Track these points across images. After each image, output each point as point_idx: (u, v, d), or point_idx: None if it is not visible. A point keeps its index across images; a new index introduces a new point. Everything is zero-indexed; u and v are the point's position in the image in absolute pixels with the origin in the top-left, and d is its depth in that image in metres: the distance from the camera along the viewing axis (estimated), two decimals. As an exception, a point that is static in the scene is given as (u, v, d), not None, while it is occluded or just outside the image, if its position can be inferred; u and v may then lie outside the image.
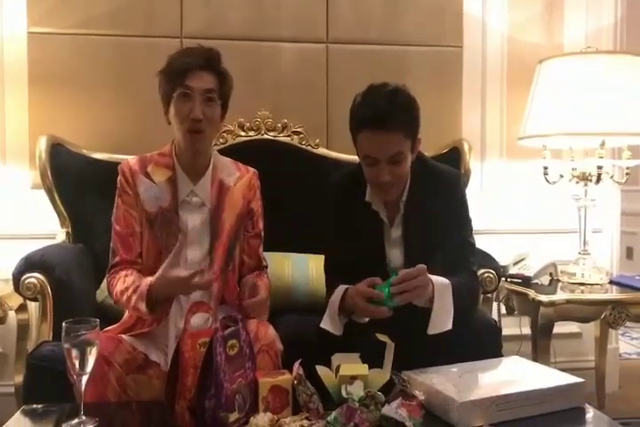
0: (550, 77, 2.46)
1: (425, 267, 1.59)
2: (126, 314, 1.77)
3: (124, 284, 1.65)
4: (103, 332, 1.68)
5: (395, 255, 1.81)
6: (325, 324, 1.70)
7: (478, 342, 1.66)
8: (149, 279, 1.60)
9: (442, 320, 1.61)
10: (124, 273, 1.69)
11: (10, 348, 2.38)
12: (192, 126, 1.67)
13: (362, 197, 1.78)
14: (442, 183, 1.80)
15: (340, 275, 1.80)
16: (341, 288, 1.70)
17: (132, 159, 1.78)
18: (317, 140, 2.59)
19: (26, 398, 1.71)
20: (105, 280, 1.75)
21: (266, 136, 2.55)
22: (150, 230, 1.71)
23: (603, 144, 2.35)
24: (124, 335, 1.68)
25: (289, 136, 2.57)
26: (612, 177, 2.49)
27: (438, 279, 1.65)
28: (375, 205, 1.79)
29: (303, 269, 2.28)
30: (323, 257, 2.31)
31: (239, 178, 1.83)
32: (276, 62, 2.66)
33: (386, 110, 1.59)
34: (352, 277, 1.74)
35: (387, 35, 2.73)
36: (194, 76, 1.66)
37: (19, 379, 2.06)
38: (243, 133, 2.53)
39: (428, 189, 1.77)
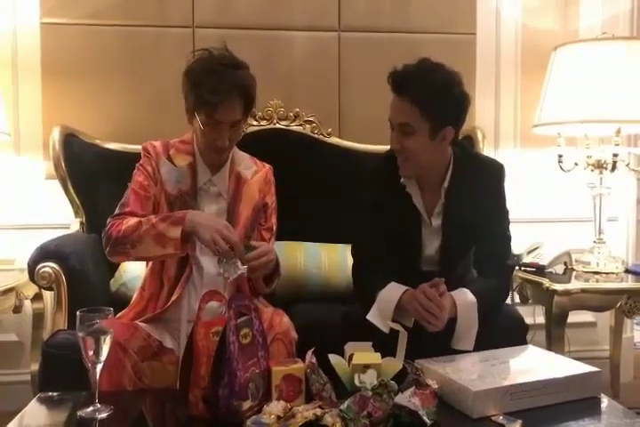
0: (565, 64, 2.42)
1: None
2: (136, 296, 1.79)
3: (139, 219, 1.61)
4: (116, 318, 1.69)
5: (430, 244, 1.77)
6: (373, 318, 1.64)
7: (505, 338, 1.64)
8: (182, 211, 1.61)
9: (465, 338, 1.61)
10: (134, 218, 1.64)
11: (26, 337, 2.41)
12: (216, 149, 1.70)
13: (398, 182, 1.76)
14: (485, 172, 1.78)
15: (372, 263, 1.76)
16: (398, 289, 1.65)
17: (155, 141, 1.79)
18: (330, 130, 2.57)
19: (41, 385, 1.73)
20: (106, 228, 1.64)
21: (278, 125, 2.53)
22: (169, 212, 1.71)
23: (618, 131, 2.32)
24: (138, 322, 1.69)
25: (301, 125, 2.55)
26: (627, 165, 2.46)
27: (463, 298, 1.62)
28: (410, 188, 1.75)
29: (316, 258, 2.27)
30: (335, 246, 2.32)
31: (256, 172, 1.86)
32: (288, 51, 2.64)
33: (404, 75, 1.61)
34: (384, 265, 1.72)
35: (399, 22, 2.70)
36: (224, 108, 1.63)
37: (34, 367, 2.08)
38: (255, 123, 2.51)
39: (470, 177, 1.74)
